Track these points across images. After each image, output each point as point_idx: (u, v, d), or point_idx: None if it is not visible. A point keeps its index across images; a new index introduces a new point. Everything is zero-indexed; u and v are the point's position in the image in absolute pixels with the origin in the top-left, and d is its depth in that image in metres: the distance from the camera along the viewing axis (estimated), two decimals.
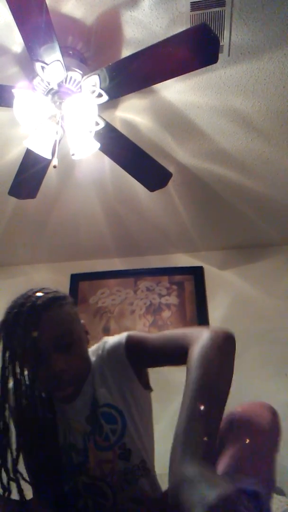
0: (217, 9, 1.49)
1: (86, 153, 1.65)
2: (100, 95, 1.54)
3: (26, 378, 0.99)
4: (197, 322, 2.80)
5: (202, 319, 2.81)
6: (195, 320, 2.82)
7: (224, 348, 0.83)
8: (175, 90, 1.81)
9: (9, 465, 0.95)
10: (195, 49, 1.38)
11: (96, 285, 3.07)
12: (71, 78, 1.53)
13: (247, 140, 2.08)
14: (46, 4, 1.26)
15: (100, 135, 1.72)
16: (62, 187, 2.44)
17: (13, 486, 0.93)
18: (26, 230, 2.84)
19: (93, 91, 1.53)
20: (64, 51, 1.49)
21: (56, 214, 2.68)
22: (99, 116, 1.65)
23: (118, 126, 1.91)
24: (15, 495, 0.94)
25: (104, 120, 1.69)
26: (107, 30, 1.59)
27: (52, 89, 1.54)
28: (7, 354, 0.94)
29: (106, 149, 1.80)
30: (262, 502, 0.66)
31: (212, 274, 3.00)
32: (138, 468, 1.01)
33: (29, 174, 1.89)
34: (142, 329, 2.83)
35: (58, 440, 1.03)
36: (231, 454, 0.79)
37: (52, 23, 1.30)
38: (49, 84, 1.53)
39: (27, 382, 0.99)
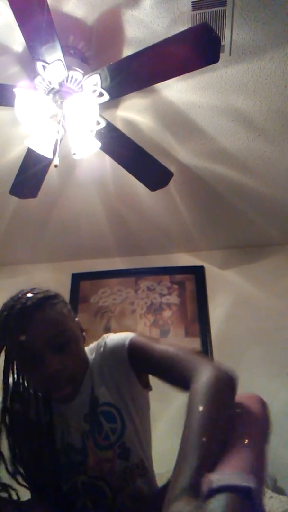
0: (218, 8, 1.49)
1: (87, 153, 1.66)
2: (101, 95, 1.54)
3: (23, 379, 1.00)
4: (198, 322, 2.81)
5: (203, 318, 2.81)
6: (196, 319, 2.82)
7: (225, 396, 0.81)
8: (176, 90, 1.81)
9: (8, 466, 0.96)
10: (196, 48, 1.38)
11: (97, 285, 3.07)
12: (72, 77, 1.53)
13: (248, 140, 2.08)
14: (47, 3, 1.26)
15: (101, 135, 1.72)
16: (63, 186, 2.44)
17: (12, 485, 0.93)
18: (27, 229, 2.84)
19: (94, 91, 1.53)
20: (65, 51, 1.50)
21: (57, 213, 2.68)
22: (100, 115, 1.65)
23: (119, 125, 1.91)
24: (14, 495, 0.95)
25: (105, 119, 1.69)
26: (108, 29, 1.59)
27: (53, 88, 1.54)
28: (2, 357, 0.94)
29: (107, 149, 1.80)
30: (255, 500, 0.66)
31: (213, 274, 3.00)
32: (137, 467, 1.01)
33: (30, 174, 1.89)
34: (143, 328, 2.84)
35: (56, 440, 1.02)
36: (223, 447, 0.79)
37: (53, 23, 1.30)
38: (50, 84, 1.53)
39: (24, 384, 0.99)
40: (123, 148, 1.81)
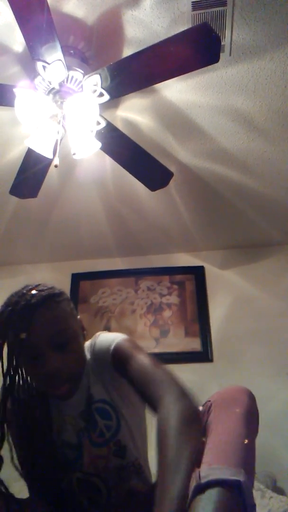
0: (218, 8, 1.49)
1: (87, 153, 1.66)
2: (101, 95, 1.54)
3: (23, 375, 1.00)
4: (198, 322, 2.81)
5: (203, 318, 2.81)
6: (196, 319, 2.82)
7: (192, 428, 0.78)
8: (176, 90, 1.81)
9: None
10: (196, 48, 1.38)
11: (97, 285, 3.07)
12: (72, 77, 1.53)
13: (248, 140, 2.08)
14: (47, 3, 1.26)
15: (101, 135, 1.72)
16: (63, 186, 2.44)
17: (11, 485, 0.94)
18: (27, 229, 2.84)
19: (94, 91, 1.53)
20: (65, 51, 1.50)
21: (57, 213, 2.68)
22: (100, 115, 1.65)
23: (119, 125, 1.91)
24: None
25: (105, 119, 1.69)
26: (108, 29, 1.59)
27: (53, 88, 1.54)
28: (4, 352, 0.94)
29: (107, 149, 1.80)
30: (245, 493, 0.66)
31: (213, 274, 3.00)
32: (132, 465, 1.01)
33: (30, 174, 1.89)
34: (143, 328, 2.84)
35: (53, 437, 1.02)
36: (211, 441, 0.79)
37: (53, 23, 1.30)
38: (50, 84, 1.53)
39: (24, 380, 1.00)
40: (123, 148, 1.81)
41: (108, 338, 1.05)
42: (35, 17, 1.28)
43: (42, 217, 2.72)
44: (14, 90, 1.48)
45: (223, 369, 2.58)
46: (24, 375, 1.00)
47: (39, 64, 1.44)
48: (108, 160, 2.07)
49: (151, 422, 1.10)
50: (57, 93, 1.54)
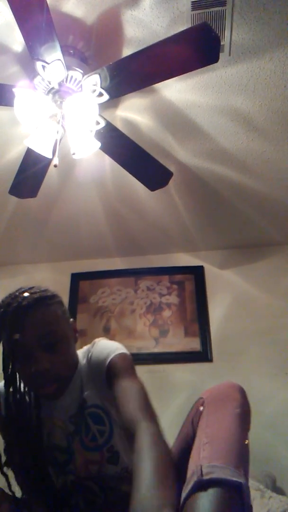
0: (218, 8, 1.49)
1: (87, 153, 1.65)
2: (100, 94, 1.54)
3: (15, 376, 1.02)
4: (197, 322, 2.81)
5: (202, 318, 2.81)
6: (195, 319, 2.82)
7: (164, 451, 0.77)
8: (176, 90, 1.81)
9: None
10: (196, 48, 1.38)
11: (97, 284, 3.07)
12: (71, 77, 1.53)
13: (248, 140, 2.08)
14: (47, 3, 1.26)
15: (100, 134, 1.72)
16: (63, 186, 2.44)
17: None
18: (27, 229, 2.84)
19: (94, 90, 1.53)
20: (64, 50, 1.50)
21: (57, 213, 2.68)
22: (100, 115, 1.65)
23: (119, 125, 1.91)
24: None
25: (105, 119, 1.69)
26: (107, 29, 1.59)
27: (52, 88, 1.54)
28: None
29: (107, 149, 1.80)
30: (244, 495, 0.67)
31: (212, 274, 3.01)
32: (126, 472, 1.02)
33: (30, 173, 1.89)
34: (142, 328, 2.84)
35: (43, 440, 1.04)
36: (207, 437, 0.79)
37: (52, 22, 1.30)
38: (49, 83, 1.53)
39: (18, 380, 1.02)
40: (123, 148, 1.81)
41: (105, 349, 1.06)
42: (35, 16, 1.28)
43: (41, 217, 2.72)
44: (14, 89, 1.48)
45: (222, 369, 2.58)
46: (17, 376, 1.02)
47: (38, 64, 1.44)
48: (107, 160, 2.07)
49: None
50: (57, 92, 1.54)
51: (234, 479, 0.67)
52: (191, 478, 0.67)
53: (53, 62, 1.42)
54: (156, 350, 2.75)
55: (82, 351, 1.13)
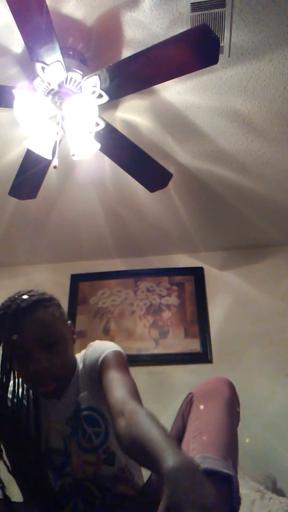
0: (217, 10, 1.49)
1: (87, 154, 1.66)
2: (100, 96, 1.54)
3: (15, 376, 1.05)
4: (197, 323, 2.80)
5: (202, 319, 2.81)
6: (195, 320, 2.82)
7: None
8: (176, 91, 1.81)
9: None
10: (195, 50, 1.38)
11: (97, 286, 3.07)
12: (71, 78, 1.53)
13: (247, 141, 2.09)
14: (46, 4, 1.26)
15: (100, 136, 1.72)
16: (63, 187, 2.44)
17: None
18: (27, 230, 2.84)
19: (94, 92, 1.53)
20: (64, 52, 1.50)
21: (57, 214, 2.68)
22: (99, 116, 1.65)
23: (118, 126, 1.91)
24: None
25: (105, 120, 1.69)
26: (107, 30, 1.59)
27: (52, 89, 1.54)
28: None
29: (106, 150, 1.80)
30: (233, 488, 0.69)
31: (212, 275, 3.00)
32: (122, 472, 1.03)
33: (30, 175, 1.89)
34: (142, 330, 2.83)
35: (41, 442, 1.05)
36: (194, 431, 0.81)
37: (52, 24, 1.30)
38: (49, 85, 1.53)
39: (17, 381, 1.05)
40: (122, 149, 1.81)
41: (99, 349, 1.09)
42: (34, 18, 1.28)
43: (41, 218, 2.72)
44: (13, 91, 1.49)
45: (222, 370, 2.57)
46: (16, 377, 1.05)
47: (38, 65, 1.44)
48: (107, 161, 2.07)
49: None
50: (56, 94, 1.54)
51: (225, 471, 0.69)
52: None
53: (53, 64, 1.42)
54: (156, 351, 2.74)
55: (80, 355, 1.16)
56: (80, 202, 2.57)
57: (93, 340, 1.19)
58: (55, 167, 1.55)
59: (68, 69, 1.50)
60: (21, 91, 1.48)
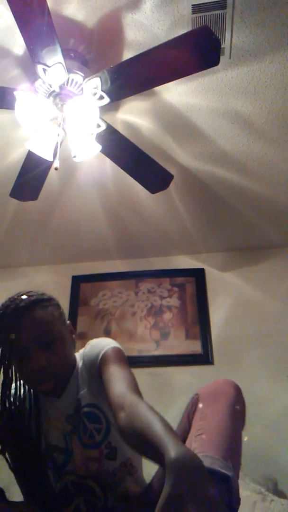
0: (218, 11, 1.50)
1: (88, 155, 1.66)
2: (101, 97, 1.54)
3: (14, 375, 1.05)
4: (198, 324, 2.80)
5: (203, 321, 2.81)
6: (196, 322, 2.82)
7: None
8: (177, 92, 1.82)
9: None
10: (196, 51, 1.38)
11: (98, 287, 3.07)
12: (72, 80, 1.54)
13: (249, 142, 2.09)
14: (48, 6, 1.26)
15: (101, 137, 1.72)
16: (64, 189, 2.44)
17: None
18: (28, 232, 2.84)
19: (95, 93, 1.53)
20: (65, 54, 1.50)
21: (58, 215, 2.68)
22: (101, 118, 1.66)
23: (120, 128, 1.91)
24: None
25: (106, 122, 1.69)
26: (108, 32, 1.59)
27: (53, 91, 1.54)
28: None
29: (108, 151, 1.80)
30: (232, 488, 0.69)
31: (213, 276, 3.00)
32: (125, 466, 1.04)
33: (31, 176, 1.90)
34: (143, 331, 2.83)
35: (41, 442, 1.06)
36: (197, 431, 0.81)
37: (53, 26, 1.31)
38: (50, 87, 1.53)
39: (17, 380, 1.06)
40: (123, 150, 1.82)
41: (98, 346, 1.10)
42: (36, 20, 1.28)
43: (42, 220, 2.72)
44: (15, 93, 1.49)
45: (223, 371, 2.57)
46: (16, 375, 1.06)
47: (39, 67, 1.44)
48: (108, 163, 2.07)
49: None
50: (58, 96, 1.54)
51: (223, 471, 0.69)
52: None
53: (54, 65, 1.43)
54: (157, 352, 2.74)
55: (79, 354, 1.17)
56: (81, 204, 2.57)
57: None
58: (56, 168, 1.55)
59: (69, 70, 1.50)
60: (22, 92, 1.48)
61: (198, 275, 3.01)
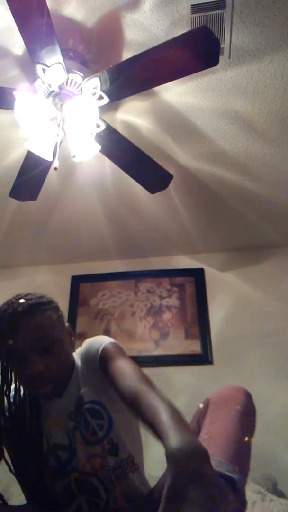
0: (217, 11, 1.50)
1: (87, 155, 1.66)
2: (101, 97, 1.55)
3: (13, 379, 1.06)
4: (198, 324, 2.80)
5: (202, 321, 2.81)
6: (195, 322, 2.82)
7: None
8: (176, 92, 1.82)
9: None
10: (195, 51, 1.38)
11: (97, 287, 3.07)
12: (72, 80, 1.54)
13: (248, 142, 2.09)
14: (47, 6, 1.26)
15: (101, 137, 1.72)
16: (63, 189, 2.44)
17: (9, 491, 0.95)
18: (27, 232, 2.84)
19: (94, 93, 1.53)
20: (65, 54, 1.50)
21: (57, 216, 2.68)
22: (100, 118, 1.66)
23: (119, 128, 1.91)
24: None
25: (105, 122, 1.70)
26: (108, 32, 1.59)
27: (53, 91, 1.54)
28: None
29: (107, 151, 1.80)
30: (238, 489, 0.69)
31: (212, 276, 3.00)
32: (126, 463, 1.04)
33: (30, 176, 1.90)
34: (142, 331, 2.83)
35: (43, 442, 1.06)
36: (204, 434, 0.81)
37: (53, 26, 1.31)
38: (50, 87, 1.53)
39: (15, 384, 1.07)
40: (123, 150, 1.82)
41: (96, 343, 1.11)
42: (35, 20, 1.28)
43: (42, 220, 2.72)
44: (14, 93, 1.49)
45: (223, 371, 2.57)
46: (14, 379, 1.06)
47: (38, 67, 1.44)
48: (107, 163, 2.08)
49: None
50: (57, 96, 1.54)
51: (229, 474, 0.68)
52: None
53: (54, 65, 1.43)
54: (157, 352, 2.74)
55: (77, 353, 1.17)
56: (80, 204, 2.57)
57: None
58: (55, 168, 1.55)
59: (68, 70, 1.50)
60: (21, 92, 1.48)
61: (197, 275, 3.01)
